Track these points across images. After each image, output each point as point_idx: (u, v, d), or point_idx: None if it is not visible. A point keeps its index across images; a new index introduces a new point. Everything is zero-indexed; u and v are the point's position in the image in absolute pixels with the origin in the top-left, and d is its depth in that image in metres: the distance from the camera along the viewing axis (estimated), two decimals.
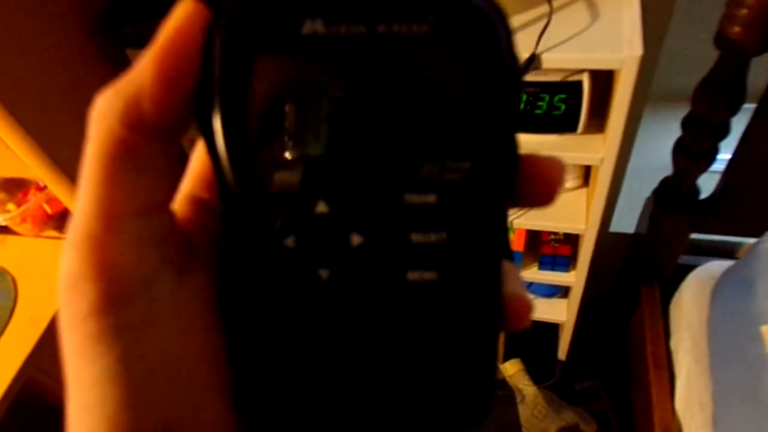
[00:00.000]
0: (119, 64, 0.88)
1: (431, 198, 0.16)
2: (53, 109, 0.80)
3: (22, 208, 0.97)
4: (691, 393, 0.96)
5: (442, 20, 0.16)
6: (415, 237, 0.16)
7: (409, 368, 0.17)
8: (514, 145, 0.17)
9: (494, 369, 0.18)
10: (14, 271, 0.97)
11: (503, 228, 0.22)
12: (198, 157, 0.19)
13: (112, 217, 0.15)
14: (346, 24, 0.15)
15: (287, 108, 0.16)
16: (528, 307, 0.18)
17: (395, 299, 0.16)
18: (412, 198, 0.16)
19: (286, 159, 0.16)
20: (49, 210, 1.00)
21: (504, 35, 0.16)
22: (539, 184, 0.17)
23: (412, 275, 0.16)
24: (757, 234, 0.96)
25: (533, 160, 0.17)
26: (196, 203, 0.19)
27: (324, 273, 0.16)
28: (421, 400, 0.17)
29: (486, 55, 0.16)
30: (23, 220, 0.98)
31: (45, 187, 0.96)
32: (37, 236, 1.02)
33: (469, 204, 0.16)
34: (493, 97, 0.16)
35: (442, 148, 0.16)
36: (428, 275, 0.16)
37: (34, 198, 0.98)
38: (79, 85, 0.84)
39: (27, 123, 0.74)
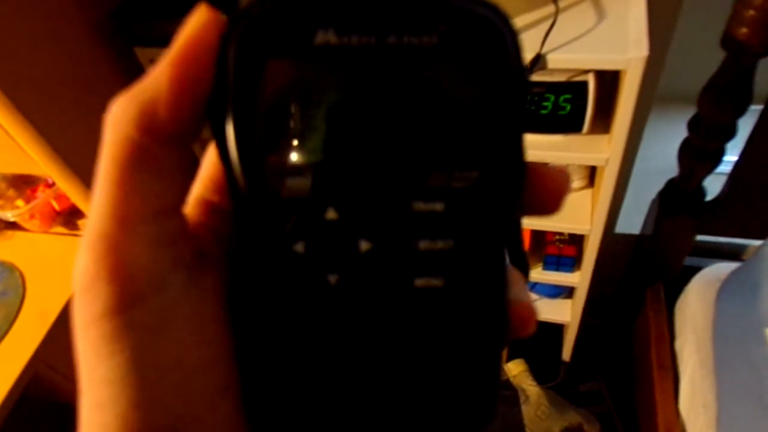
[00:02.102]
0: (128, 63, 0.88)
1: (439, 206, 0.16)
2: (62, 106, 0.80)
3: (31, 204, 0.97)
4: (695, 394, 0.95)
5: (451, 31, 0.16)
6: (423, 244, 0.17)
7: (415, 372, 0.17)
8: (521, 154, 0.17)
9: (498, 374, 0.18)
10: (23, 267, 0.98)
11: (517, 235, 0.22)
12: (209, 162, 0.19)
13: (126, 219, 0.15)
14: (357, 35, 0.16)
15: (298, 116, 0.16)
16: (532, 314, 0.18)
17: (402, 305, 0.17)
18: (420, 206, 0.16)
19: (296, 166, 0.16)
20: (57, 206, 1.01)
21: (512, 45, 0.16)
22: (545, 193, 0.17)
23: (419, 281, 0.17)
24: (762, 236, 0.96)
25: (540, 169, 0.17)
26: (207, 207, 0.19)
27: (332, 278, 0.17)
28: (427, 404, 0.17)
29: (494, 66, 0.16)
30: (32, 217, 0.99)
31: (53, 184, 0.97)
32: (45, 232, 1.03)
33: (476, 212, 0.17)
34: (501, 106, 0.16)
35: (450, 156, 0.17)
36: (435, 282, 0.17)
37: (42, 195, 0.99)
38: (88, 83, 0.85)
39: (36, 120, 0.75)
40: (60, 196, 0.99)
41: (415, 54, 0.16)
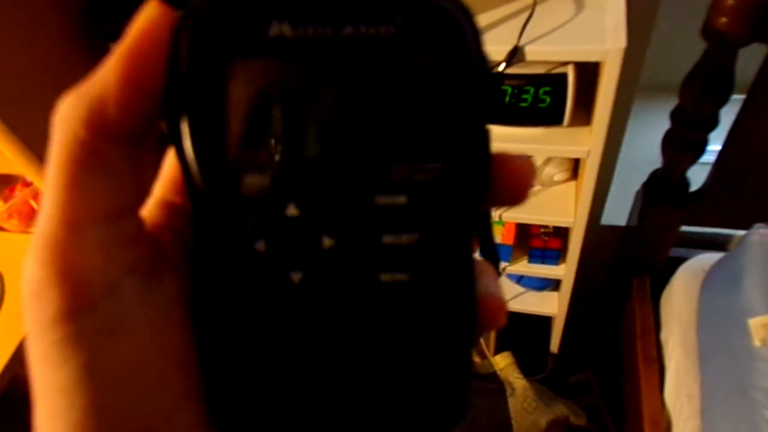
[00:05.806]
0: (102, 59, 0.87)
1: (402, 199, 0.16)
2: (37, 104, 0.79)
3: (9, 204, 0.96)
4: (680, 385, 0.96)
5: (408, 21, 0.15)
6: (387, 238, 0.16)
7: (384, 369, 0.17)
8: (485, 144, 0.16)
9: (469, 368, 0.18)
10: (2, 268, 0.97)
11: (486, 227, 0.22)
12: (171, 163, 0.19)
13: (75, 222, 0.15)
14: (312, 26, 0.15)
15: (255, 111, 0.16)
16: (501, 306, 0.18)
17: (368, 301, 0.16)
18: (383, 199, 0.16)
19: (255, 162, 0.16)
20: (36, 206, 1.00)
21: (471, 34, 0.16)
22: (510, 183, 0.17)
23: (385, 276, 0.16)
24: (746, 226, 0.96)
25: (504, 159, 0.17)
26: (169, 208, 0.18)
27: (296, 276, 0.16)
28: (397, 401, 0.17)
29: (453, 55, 0.16)
30: (10, 216, 0.98)
31: (31, 183, 0.96)
32: (24, 232, 1.02)
33: (440, 204, 0.16)
34: (462, 96, 0.16)
35: (412, 149, 0.16)
36: (400, 276, 0.16)
37: (20, 194, 0.97)
38: (63, 79, 0.83)
39: (10, 119, 0.74)
40: (38, 195, 0.98)
41: (372, 45, 0.15)
